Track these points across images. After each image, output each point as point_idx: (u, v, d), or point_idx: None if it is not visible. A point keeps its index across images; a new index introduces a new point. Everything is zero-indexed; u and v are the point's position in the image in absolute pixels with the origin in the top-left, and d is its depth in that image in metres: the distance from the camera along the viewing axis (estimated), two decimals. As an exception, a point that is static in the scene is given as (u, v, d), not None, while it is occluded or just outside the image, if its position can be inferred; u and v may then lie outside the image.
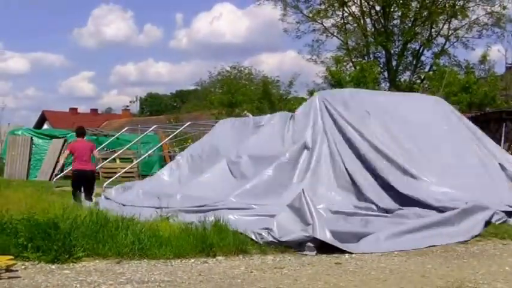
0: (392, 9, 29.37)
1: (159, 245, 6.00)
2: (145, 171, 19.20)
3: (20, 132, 20.93)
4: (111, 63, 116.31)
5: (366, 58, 29.07)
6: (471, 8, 28.69)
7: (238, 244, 6.15)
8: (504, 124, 12.17)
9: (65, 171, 18.03)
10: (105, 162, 17.77)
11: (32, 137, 20.21)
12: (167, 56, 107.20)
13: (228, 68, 36.10)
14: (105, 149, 18.94)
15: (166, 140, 19.62)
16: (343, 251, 6.22)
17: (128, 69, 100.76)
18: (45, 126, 45.99)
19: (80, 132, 10.94)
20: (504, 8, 27.78)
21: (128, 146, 18.32)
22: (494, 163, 9.85)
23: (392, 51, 29.59)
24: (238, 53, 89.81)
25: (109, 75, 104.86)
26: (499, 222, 7.73)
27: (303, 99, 28.72)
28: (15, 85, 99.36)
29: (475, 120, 12.58)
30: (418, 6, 28.89)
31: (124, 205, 9.76)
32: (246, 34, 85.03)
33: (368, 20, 30.24)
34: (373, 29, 30.06)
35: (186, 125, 17.74)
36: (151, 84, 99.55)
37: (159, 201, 9.46)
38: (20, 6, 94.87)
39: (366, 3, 29.74)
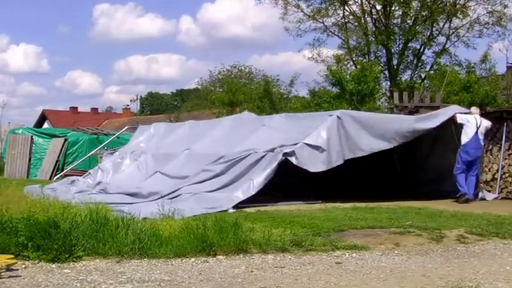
0: (393, 8, 29.36)
1: (160, 244, 5.99)
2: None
3: (20, 131, 20.92)
4: (113, 61, 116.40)
5: (367, 57, 29.06)
6: (472, 7, 28.71)
7: (238, 243, 6.14)
8: (505, 124, 12.12)
9: (65, 170, 18.05)
10: (105, 161, 17.76)
11: (32, 136, 20.21)
12: (169, 54, 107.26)
13: (229, 67, 36.15)
14: (106, 148, 18.94)
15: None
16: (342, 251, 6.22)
17: (129, 68, 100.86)
18: (46, 125, 46.03)
19: None
20: (505, 6, 27.79)
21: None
22: None
23: (393, 50, 29.59)
24: (244, 50, 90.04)
25: (110, 73, 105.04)
26: None
27: (304, 99, 28.83)
28: (16, 83, 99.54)
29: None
30: (419, 5, 28.87)
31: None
32: (254, 30, 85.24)
33: (369, 19, 30.24)
34: (373, 28, 30.04)
35: (186, 124, 17.70)
36: (152, 83, 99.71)
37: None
38: (21, 1, 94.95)
39: (366, 2, 29.73)
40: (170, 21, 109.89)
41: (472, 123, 11.25)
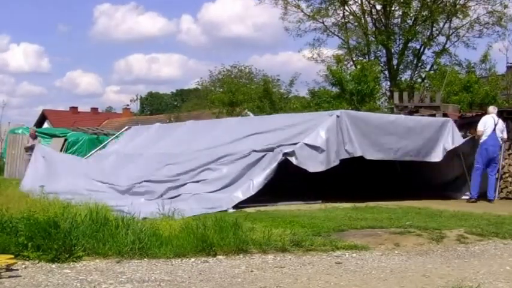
0: (393, 8, 29.38)
1: (160, 244, 5.99)
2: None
3: (20, 131, 20.92)
4: (113, 61, 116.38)
5: (367, 57, 29.09)
6: (472, 7, 28.76)
7: (238, 243, 6.14)
8: (505, 124, 12.13)
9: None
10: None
11: (32, 136, 20.17)
12: (169, 54, 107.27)
13: (229, 67, 36.15)
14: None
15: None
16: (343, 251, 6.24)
17: (129, 68, 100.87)
18: (46, 125, 46.03)
19: None
20: (505, 6, 27.82)
21: (128, 144, 18.26)
22: None
23: (393, 50, 29.63)
24: (244, 50, 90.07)
25: (110, 73, 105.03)
26: None
27: (304, 99, 28.85)
28: (16, 83, 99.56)
29: (475, 119, 12.52)
30: (419, 5, 28.88)
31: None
32: (255, 29, 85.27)
33: (369, 19, 30.29)
34: (374, 28, 30.06)
35: (186, 124, 17.70)
36: (152, 83, 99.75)
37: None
38: (22, 1, 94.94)
39: (366, 2, 29.77)
40: (171, 20, 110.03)
41: (490, 122, 11.47)
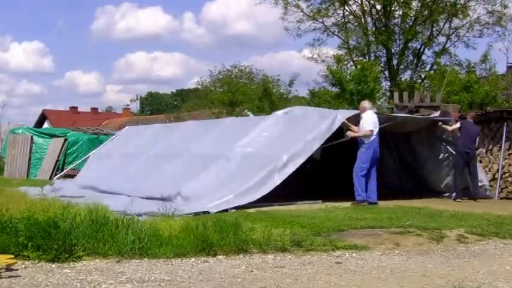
0: (393, 8, 29.38)
1: (160, 244, 6.00)
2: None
3: (20, 131, 20.91)
4: (113, 60, 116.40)
5: (367, 57, 29.06)
6: (472, 7, 28.72)
7: (238, 243, 6.14)
8: (505, 123, 12.13)
9: (65, 170, 18.05)
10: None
11: (32, 136, 20.21)
12: (170, 53, 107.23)
13: (229, 67, 36.11)
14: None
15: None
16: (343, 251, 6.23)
17: (129, 67, 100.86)
18: (46, 125, 46.06)
19: None
20: (505, 6, 27.81)
21: (128, 144, 18.24)
22: None
23: (393, 50, 29.60)
24: (245, 49, 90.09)
25: (110, 72, 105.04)
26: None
27: (304, 99, 28.85)
28: (16, 83, 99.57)
29: (475, 119, 12.53)
30: (419, 5, 28.88)
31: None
32: (256, 28, 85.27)
33: (369, 19, 30.27)
34: (374, 28, 30.05)
35: (186, 124, 17.69)
36: (154, 82, 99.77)
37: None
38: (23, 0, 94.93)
39: (366, 2, 29.75)
40: (174, 18, 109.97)
41: (376, 121, 10.58)
